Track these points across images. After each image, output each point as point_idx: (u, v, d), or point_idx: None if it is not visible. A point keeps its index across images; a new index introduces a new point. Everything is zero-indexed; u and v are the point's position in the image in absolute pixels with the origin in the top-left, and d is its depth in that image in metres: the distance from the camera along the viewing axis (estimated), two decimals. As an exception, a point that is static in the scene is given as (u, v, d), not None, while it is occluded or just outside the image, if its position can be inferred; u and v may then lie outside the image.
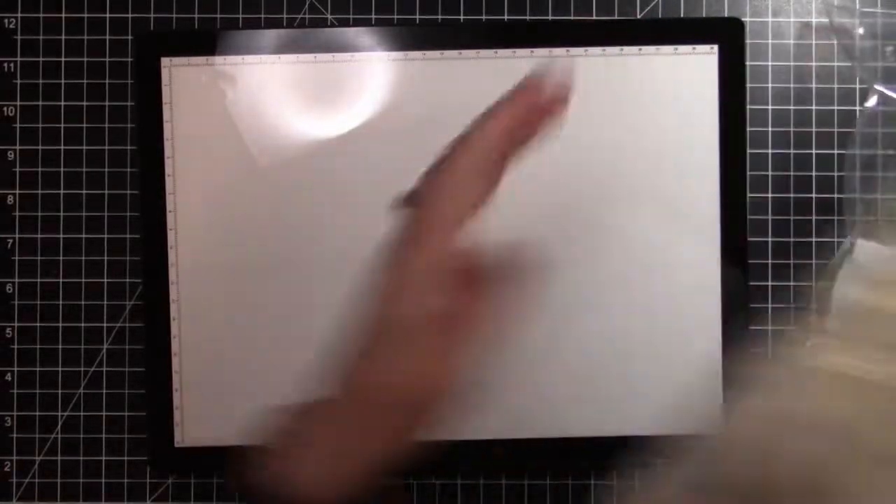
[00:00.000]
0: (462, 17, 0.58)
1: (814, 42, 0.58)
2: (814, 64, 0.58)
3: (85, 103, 0.58)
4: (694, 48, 0.57)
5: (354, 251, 0.55)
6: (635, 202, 0.56)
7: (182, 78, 0.56)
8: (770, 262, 0.58)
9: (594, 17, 0.59)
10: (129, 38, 0.58)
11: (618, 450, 0.57)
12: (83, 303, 0.58)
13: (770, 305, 0.58)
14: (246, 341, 0.57)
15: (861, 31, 0.57)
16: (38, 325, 0.58)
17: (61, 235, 0.58)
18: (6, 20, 0.58)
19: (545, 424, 0.57)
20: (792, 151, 0.58)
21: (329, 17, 0.58)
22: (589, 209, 0.56)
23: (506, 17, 0.58)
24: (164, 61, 0.56)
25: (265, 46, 0.56)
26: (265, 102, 0.56)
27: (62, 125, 0.58)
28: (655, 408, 0.56)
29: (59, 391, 0.58)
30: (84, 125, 0.58)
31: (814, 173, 0.58)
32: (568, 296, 0.56)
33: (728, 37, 0.57)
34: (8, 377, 0.58)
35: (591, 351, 0.56)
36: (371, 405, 0.42)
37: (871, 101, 0.57)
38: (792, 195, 0.58)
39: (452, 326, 0.41)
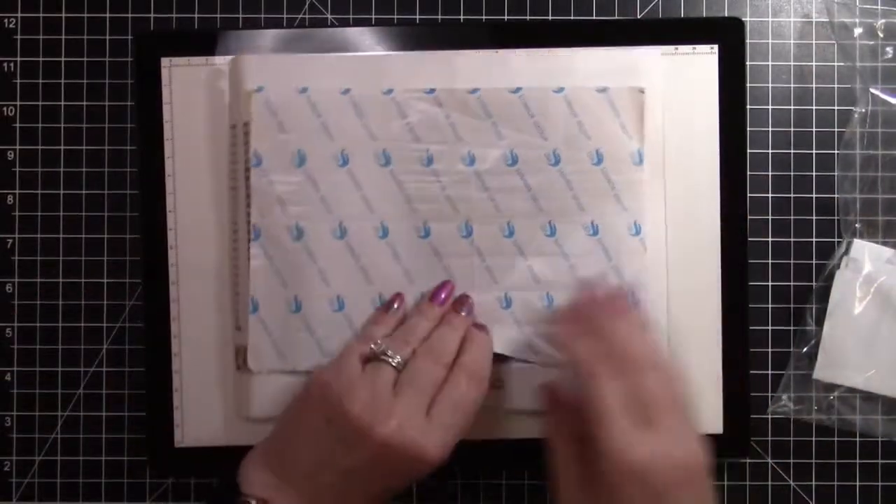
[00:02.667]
0: (462, 17, 0.58)
1: (814, 42, 0.58)
2: (814, 64, 0.58)
3: (85, 103, 0.58)
4: (694, 48, 0.57)
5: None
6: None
7: (182, 78, 0.56)
8: (770, 262, 0.58)
9: (594, 17, 0.59)
10: (129, 38, 0.58)
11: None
12: (83, 303, 0.58)
13: (770, 305, 0.58)
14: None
15: (860, 30, 0.57)
16: (38, 325, 0.58)
17: (61, 235, 0.58)
18: (6, 20, 0.58)
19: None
20: (792, 151, 0.58)
21: (329, 17, 0.58)
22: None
23: (506, 17, 0.58)
24: (164, 61, 0.56)
25: (265, 46, 0.56)
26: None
27: (62, 125, 0.58)
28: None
29: (59, 391, 0.58)
30: (84, 125, 0.58)
31: (814, 173, 0.58)
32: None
33: (728, 37, 0.57)
34: (8, 377, 0.58)
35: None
36: None
37: (864, 104, 0.57)
38: (792, 195, 0.58)
39: None
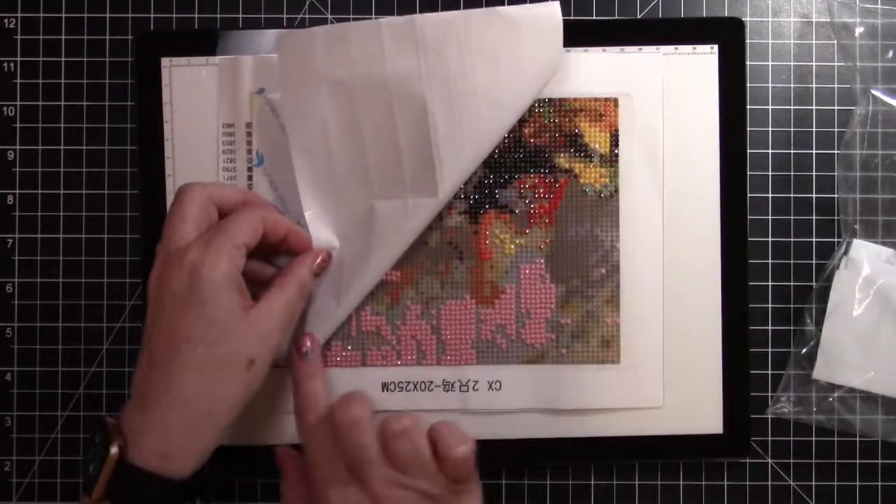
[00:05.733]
0: (462, 17, 0.58)
1: (814, 42, 0.58)
2: (814, 64, 0.58)
3: (85, 103, 0.58)
4: (694, 48, 0.57)
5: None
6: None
7: (182, 78, 0.56)
8: (770, 262, 0.58)
9: (594, 17, 0.58)
10: (129, 38, 0.58)
11: (618, 450, 0.57)
12: (83, 303, 0.58)
13: (770, 305, 0.58)
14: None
15: (861, 30, 0.57)
16: (38, 325, 0.58)
17: (61, 235, 0.58)
18: (6, 20, 0.58)
19: (547, 427, 0.57)
20: (792, 151, 0.58)
21: (329, 17, 0.58)
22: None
23: (506, 18, 0.58)
24: (164, 61, 0.56)
25: (265, 46, 0.56)
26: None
27: (62, 125, 0.58)
28: (654, 415, 0.57)
29: (59, 391, 0.58)
30: (84, 125, 0.58)
31: (814, 173, 0.58)
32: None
33: (728, 37, 0.57)
34: (8, 377, 0.58)
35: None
36: None
37: (865, 104, 0.57)
38: (792, 195, 0.58)
39: None
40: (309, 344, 0.52)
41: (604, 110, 0.56)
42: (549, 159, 0.56)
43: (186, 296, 0.47)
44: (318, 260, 0.53)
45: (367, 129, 0.53)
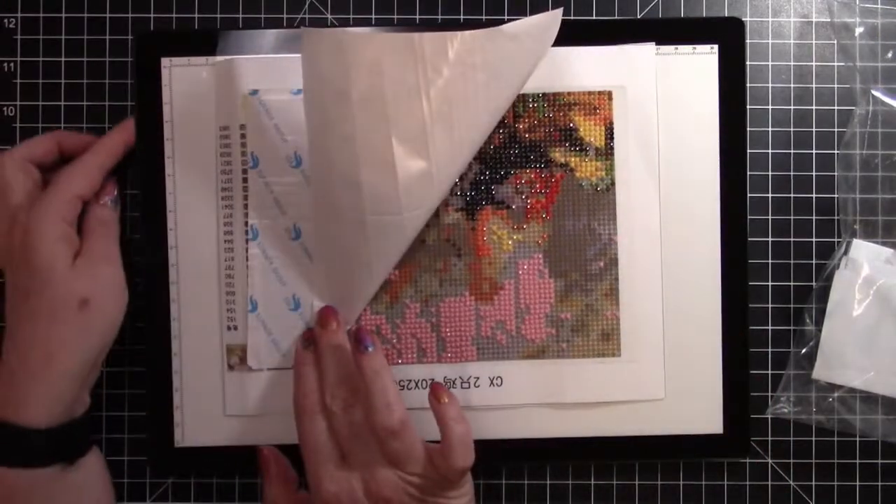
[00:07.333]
0: (462, 18, 0.58)
1: (814, 42, 0.58)
2: (814, 64, 0.58)
3: (85, 103, 0.58)
4: (694, 48, 0.57)
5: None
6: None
7: (182, 78, 0.56)
8: (770, 262, 0.58)
9: (594, 17, 0.59)
10: (129, 38, 0.58)
11: (618, 450, 0.57)
12: (83, 303, 0.58)
13: (770, 305, 0.58)
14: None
15: (861, 30, 0.57)
16: (37, 324, 0.58)
17: (61, 235, 0.58)
18: (6, 20, 0.58)
19: (548, 422, 0.57)
20: (792, 151, 0.58)
21: (329, 17, 0.58)
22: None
23: (506, 17, 0.58)
24: (164, 61, 0.56)
25: (265, 46, 0.56)
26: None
27: (62, 125, 0.58)
28: (655, 409, 0.57)
29: (59, 391, 0.58)
30: (84, 125, 0.58)
31: (814, 173, 0.58)
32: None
33: (728, 37, 0.57)
34: (8, 377, 0.58)
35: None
36: None
37: (865, 104, 0.57)
38: (792, 195, 0.58)
39: None
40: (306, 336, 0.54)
41: (598, 103, 0.56)
42: (544, 154, 0.56)
43: (20, 254, 0.51)
44: (105, 192, 0.55)
45: (360, 142, 0.51)
